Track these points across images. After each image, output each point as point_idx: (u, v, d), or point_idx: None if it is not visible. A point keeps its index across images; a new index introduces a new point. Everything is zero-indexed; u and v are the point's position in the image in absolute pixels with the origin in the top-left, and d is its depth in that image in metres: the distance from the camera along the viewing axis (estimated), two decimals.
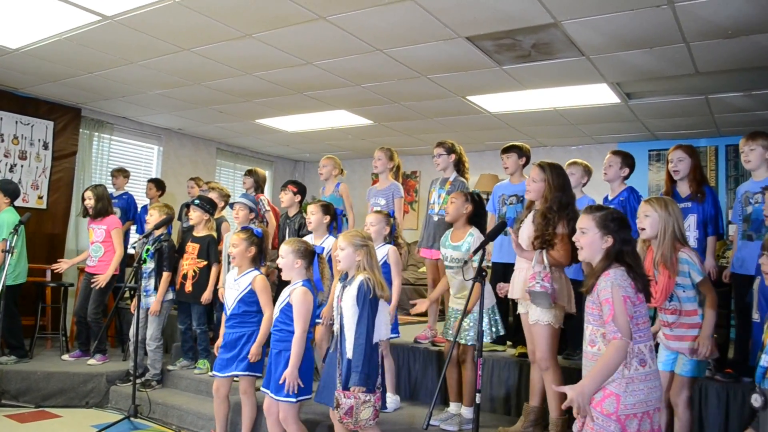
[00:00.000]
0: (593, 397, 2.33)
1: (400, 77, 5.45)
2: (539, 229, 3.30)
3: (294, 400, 3.33)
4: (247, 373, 3.78)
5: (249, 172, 6.21)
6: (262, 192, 6.15)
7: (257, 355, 3.77)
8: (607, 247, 2.41)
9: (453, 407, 3.84)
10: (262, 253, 3.97)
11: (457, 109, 6.45)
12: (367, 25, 4.30)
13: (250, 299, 3.81)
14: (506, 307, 4.53)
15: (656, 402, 2.32)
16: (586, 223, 2.47)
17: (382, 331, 3.07)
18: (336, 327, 3.18)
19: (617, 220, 2.44)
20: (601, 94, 5.65)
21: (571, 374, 3.62)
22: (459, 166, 4.74)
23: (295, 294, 3.35)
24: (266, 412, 3.47)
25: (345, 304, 3.07)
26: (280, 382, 3.29)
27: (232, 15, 4.23)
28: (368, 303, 3.00)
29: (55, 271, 5.54)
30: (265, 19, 4.26)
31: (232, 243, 3.90)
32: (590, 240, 2.44)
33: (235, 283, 3.87)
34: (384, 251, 3.92)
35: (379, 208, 4.81)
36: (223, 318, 3.94)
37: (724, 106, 5.81)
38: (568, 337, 4.13)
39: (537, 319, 3.31)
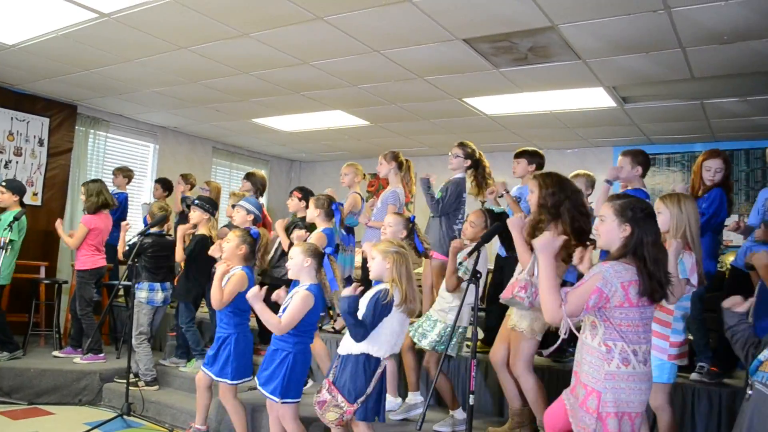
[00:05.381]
0: (577, 396, 2.34)
1: (397, 78, 5.45)
2: (532, 223, 3.21)
3: (291, 401, 3.34)
4: (223, 380, 3.77)
5: (248, 176, 6.10)
6: (261, 196, 6.09)
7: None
8: (625, 237, 2.31)
9: (410, 396, 3.93)
10: (252, 254, 4.00)
11: (454, 110, 6.46)
12: (364, 26, 4.30)
13: (237, 297, 3.81)
14: (501, 312, 4.54)
15: (639, 406, 2.26)
16: (604, 211, 2.40)
17: (380, 349, 3.05)
18: None
19: (638, 210, 2.33)
20: (597, 98, 5.67)
21: (564, 376, 3.62)
22: (479, 173, 4.60)
23: (298, 294, 3.35)
24: (269, 408, 3.48)
25: (361, 304, 3.09)
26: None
27: (230, 14, 4.23)
28: (374, 307, 2.99)
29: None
30: (263, 18, 4.26)
31: (227, 238, 3.93)
32: (608, 228, 2.36)
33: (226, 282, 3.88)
34: None
35: (375, 210, 4.88)
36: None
37: (720, 112, 5.84)
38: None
39: (514, 324, 3.32)
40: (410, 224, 3.93)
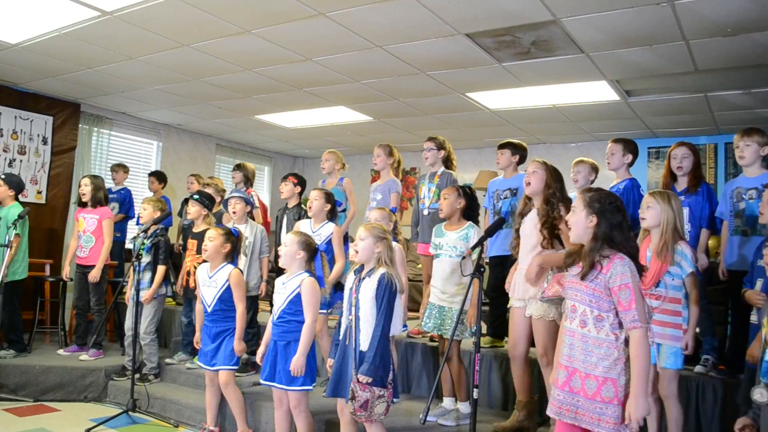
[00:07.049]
0: (586, 390, 2.35)
1: (400, 74, 5.45)
2: (544, 215, 3.30)
3: (310, 387, 3.39)
4: (228, 366, 3.85)
5: (238, 167, 6.21)
6: (251, 186, 6.17)
7: (242, 350, 3.89)
8: (592, 227, 2.39)
9: (447, 402, 3.86)
10: (235, 251, 4.06)
11: (457, 105, 6.45)
12: (366, 22, 4.30)
13: (228, 295, 3.87)
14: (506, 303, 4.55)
15: None
16: (576, 203, 2.50)
17: (396, 326, 3.06)
18: (349, 318, 3.13)
19: (605, 202, 2.41)
20: (600, 92, 5.65)
21: None
22: (447, 163, 4.81)
23: (306, 284, 3.38)
24: (277, 403, 3.50)
25: (363, 297, 3.04)
26: (291, 368, 3.32)
27: (232, 11, 4.23)
28: (388, 297, 2.97)
29: (65, 277, 5.62)
30: (265, 15, 4.26)
31: (209, 236, 3.95)
32: (577, 219, 2.45)
33: (210, 280, 3.92)
34: None
35: (375, 203, 4.85)
36: (199, 309, 4.05)
37: (724, 104, 5.81)
38: None
39: (542, 315, 3.29)
40: (394, 216, 4.05)
